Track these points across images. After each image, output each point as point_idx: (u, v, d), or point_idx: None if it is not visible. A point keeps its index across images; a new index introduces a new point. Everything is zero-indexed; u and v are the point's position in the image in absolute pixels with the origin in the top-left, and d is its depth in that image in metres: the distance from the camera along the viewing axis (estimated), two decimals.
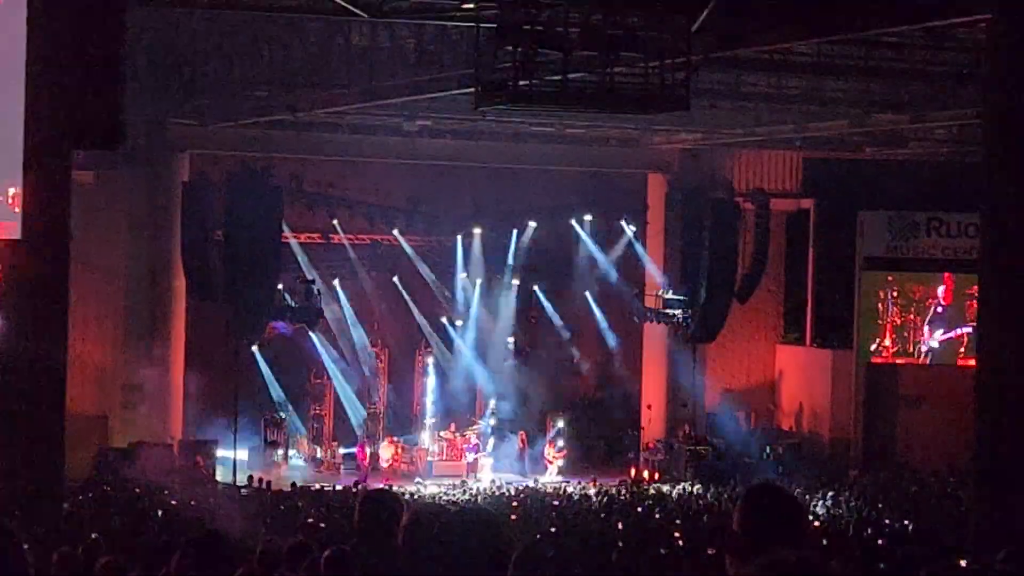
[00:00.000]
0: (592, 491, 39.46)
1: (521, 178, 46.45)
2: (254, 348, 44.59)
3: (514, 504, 34.52)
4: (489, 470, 44.88)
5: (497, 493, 39.30)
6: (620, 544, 21.51)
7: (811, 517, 31.00)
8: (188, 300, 43.26)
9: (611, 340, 48.52)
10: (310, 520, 27.56)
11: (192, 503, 32.59)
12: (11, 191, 24.38)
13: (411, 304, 47.72)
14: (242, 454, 42.54)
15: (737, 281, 45.72)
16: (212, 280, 41.80)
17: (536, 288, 48.24)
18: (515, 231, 47.72)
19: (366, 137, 43.83)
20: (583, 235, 47.77)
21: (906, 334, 46.28)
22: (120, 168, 41.16)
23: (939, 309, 45.92)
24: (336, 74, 36.32)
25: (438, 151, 44.60)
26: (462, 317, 48.35)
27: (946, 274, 45.54)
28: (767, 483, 5.38)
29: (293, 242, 45.11)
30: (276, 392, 45.85)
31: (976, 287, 27.28)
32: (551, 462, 45.24)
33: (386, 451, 45.26)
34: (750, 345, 47.99)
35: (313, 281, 44.33)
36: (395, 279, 47.56)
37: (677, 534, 26.08)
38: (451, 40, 32.86)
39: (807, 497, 34.95)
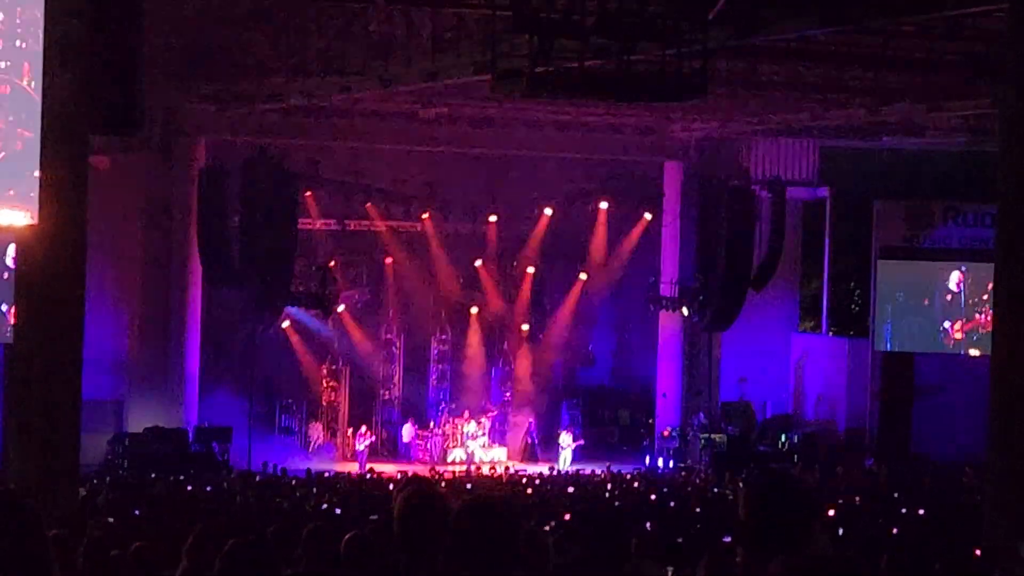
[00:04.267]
0: (606, 478, 39.45)
1: (537, 166, 46.43)
2: (270, 333, 44.65)
3: (528, 491, 34.53)
4: (503, 457, 45.04)
5: (511, 479, 39.34)
6: (635, 532, 21.48)
7: (823, 504, 30.99)
8: (204, 286, 43.33)
9: (626, 328, 48.58)
10: (325, 506, 27.64)
11: (208, 489, 32.68)
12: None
13: (427, 291, 47.75)
14: (257, 440, 42.61)
15: (753, 270, 45.64)
16: (228, 266, 41.85)
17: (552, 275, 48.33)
18: (531, 218, 47.71)
19: (382, 123, 43.83)
20: (599, 223, 47.73)
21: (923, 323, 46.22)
22: (136, 154, 41.19)
23: (950, 297, 45.83)
24: (353, 60, 36.31)
25: (454, 138, 44.58)
26: (478, 304, 48.39)
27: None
28: (770, 470, 5.37)
29: (309, 228, 45.13)
30: (291, 378, 45.92)
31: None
32: (565, 449, 45.28)
33: (405, 435, 45.46)
34: (766, 334, 47.94)
35: (329, 268, 44.39)
36: (409, 265, 47.59)
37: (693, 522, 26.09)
38: (467, 27, 32.83)
39: (821, 487, 34.91)
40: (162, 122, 41.13)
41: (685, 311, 46.42)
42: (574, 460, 44.77)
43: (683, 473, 42.39)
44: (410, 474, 34.02)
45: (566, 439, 45.54)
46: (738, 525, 5.10)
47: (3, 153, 23.86)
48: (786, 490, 5.13)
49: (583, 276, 48.32)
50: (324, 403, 46.62)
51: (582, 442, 45.79)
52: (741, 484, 5.34)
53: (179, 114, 42.07)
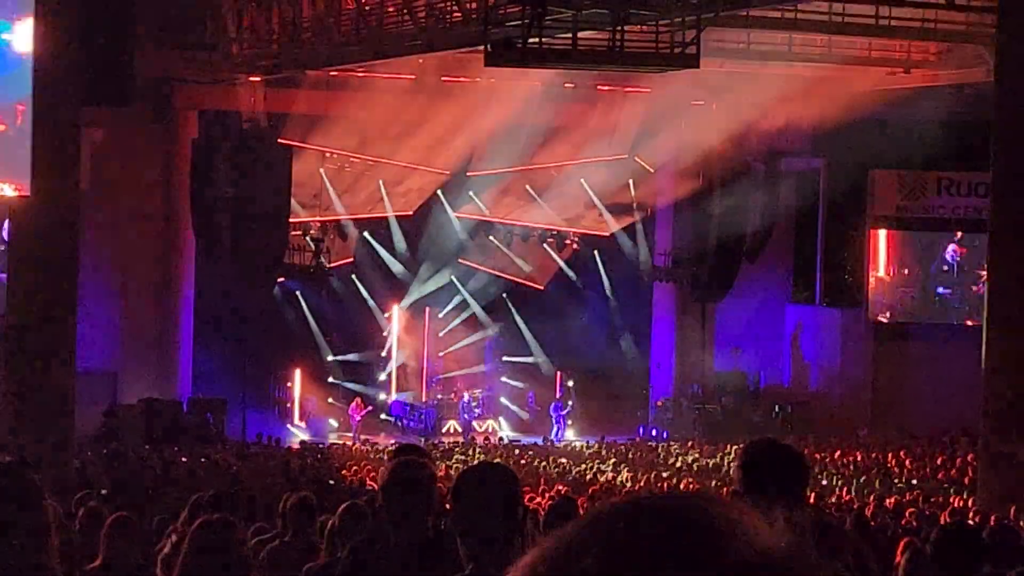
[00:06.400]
0: (601, 449, 39.50)
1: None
2: (263, 305, 44.61)
3: (522, 462, 34.58)
4: (496, 428, 45.10)
5: (506, 451, 39.35)
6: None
7: (819, 476, 31.07)
8: (197, 257, 43.29)
9: (620, 299, 48.58)
10: (318, 476, 27.66)
11: (202, 461, 32.69)
12: None
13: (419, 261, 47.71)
14: (251, 411, 42.58)
15: (747, 240, 45.59)
16: (221, 237, 41.80)
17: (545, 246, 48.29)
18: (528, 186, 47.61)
19: (375, 94, 43.66)
20: (592, 193, 47.61)
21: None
22: (130, 126, 41.09)
23: (944, 267, 45.84)
24: (346, 31, 36.22)
25: (449, 108, 44.37)
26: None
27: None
28: (765, 438, 5.34)
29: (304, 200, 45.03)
30: (285, 350, 45.86)
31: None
32: (560, 421, 45.30)
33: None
34: (759, 304, 47.90)
35: (322, 239, 44.35)
36: (403, 238, 47.47)
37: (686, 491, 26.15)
38: None
39: (817, 456, 34.96)
40: (155, 93, 41.01)
41: (679, 282, 46.39)
42: (568, 430, 44.80)
43: (678, 443, 42.39)
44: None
45: (559, 410, 45.56)
46: (732, 494, 5.09)
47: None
48: (779, 458, 5.13)
49: (575, 246, 48.27)
50: (319, 374, 46.52)
51: (573, 411, 45.75)
52: (735, 454, 5.35)
53: (172, 85, 41.96)
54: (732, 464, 32.77)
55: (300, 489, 20.62)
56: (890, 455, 36.39)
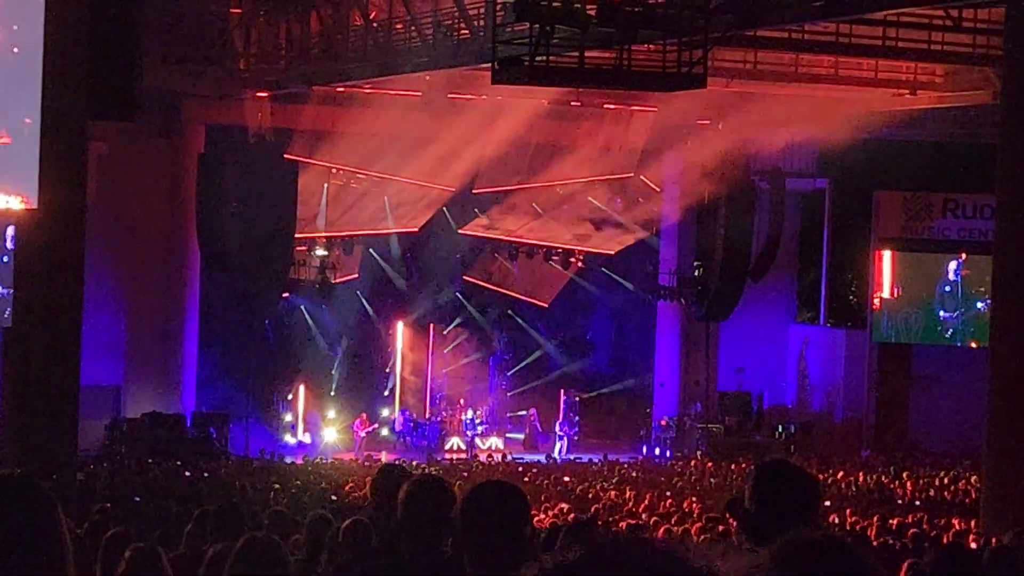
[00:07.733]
0: (604, 467, 39.46)
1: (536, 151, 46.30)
2: (268, 320, 44.63)
3: (525, 479, 34.54)
4: (499, 445, 45.07)
5: (509, 468, 39.33)
6: (631, 519, 21.56)
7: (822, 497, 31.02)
8: (202, 271, 43.33)
9: (624, 317, 48.58)
10: (321, 492, 27.64)
11: (205, 475, 32.67)
12: None
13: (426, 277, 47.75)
14: (255, 426, 42.58)
15: (751, 260, 45.63)
16: (226, 252, 41.83)
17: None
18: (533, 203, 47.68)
19: (383, 111, 43.73)
20: (600, 206, 47.67)
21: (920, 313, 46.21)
22: (136, 139, 41.15)
23: (948, 288, 45.83)
24: (354, 47, 36.30)
25: (456, 125, 44.41)
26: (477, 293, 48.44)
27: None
28: (780, 459, 5.36)
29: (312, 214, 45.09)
30: (290, 364, 45.89)
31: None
32: (562, 438, 45.29)
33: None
34: (764, 324, 47.92)
35: (327, 255, 44.37)
36: (407, 254, 47.55)
37: (689, 509, 26.14)
38: (468, 15, 32.83)
39: (820, 476, 34.92)
40: (161, 108, 41.08)
41: (684, 301, 46.42)
42: (571, 449, 44.77)
43: (681, 462, 42.37)
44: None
45: (562, 428, 45.57)
46: (745, 514, 5.10)
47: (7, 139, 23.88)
48: (792, 478, 5.14)
49: (580, 263, 48.30)
50: (323, 390, 46.54)
51: (577, 430, 45.80)
52: (737, 474, 5.37)
53: (179, 99, 42.03)
54: (741, 484, 32.74)
55: (302, 504, 20.63)
56: (893, 476, 36.36)
